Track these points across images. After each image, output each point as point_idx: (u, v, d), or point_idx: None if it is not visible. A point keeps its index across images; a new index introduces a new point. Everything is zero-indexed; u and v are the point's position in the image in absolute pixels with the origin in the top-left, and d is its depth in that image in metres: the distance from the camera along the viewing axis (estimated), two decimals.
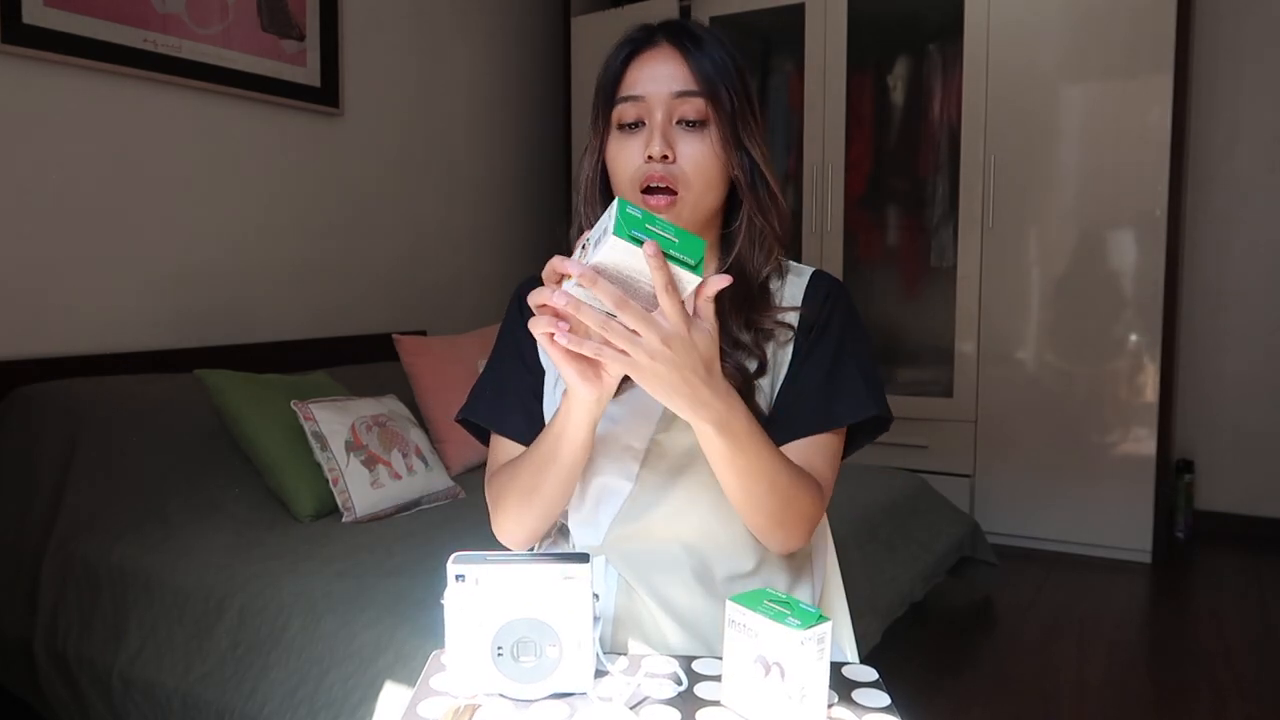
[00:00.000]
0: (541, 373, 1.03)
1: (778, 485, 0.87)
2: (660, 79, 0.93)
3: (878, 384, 0.98)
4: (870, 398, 0.96)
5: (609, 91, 0.96)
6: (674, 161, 0.92)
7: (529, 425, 1.00)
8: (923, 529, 2.41)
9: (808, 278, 1.01)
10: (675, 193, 0.92)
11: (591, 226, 0.89)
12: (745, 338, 0.95)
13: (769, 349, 0.96)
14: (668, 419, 0.95)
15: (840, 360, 0.97)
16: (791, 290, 1.00)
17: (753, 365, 0.95)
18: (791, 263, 1.04)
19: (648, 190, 0.92)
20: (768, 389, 0.96)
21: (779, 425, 0.94)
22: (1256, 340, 3.39)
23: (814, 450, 0.95)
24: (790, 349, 0.97)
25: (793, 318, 0.98)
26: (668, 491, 0.96)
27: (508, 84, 3.75)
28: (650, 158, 0.91)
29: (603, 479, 0.97)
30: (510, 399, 1.02)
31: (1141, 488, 3.03)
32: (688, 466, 0.96)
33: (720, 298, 0.79)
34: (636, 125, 0.94)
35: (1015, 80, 3.13)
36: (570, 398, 0.84)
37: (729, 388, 0.81)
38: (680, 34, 0.95)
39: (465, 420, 1.07)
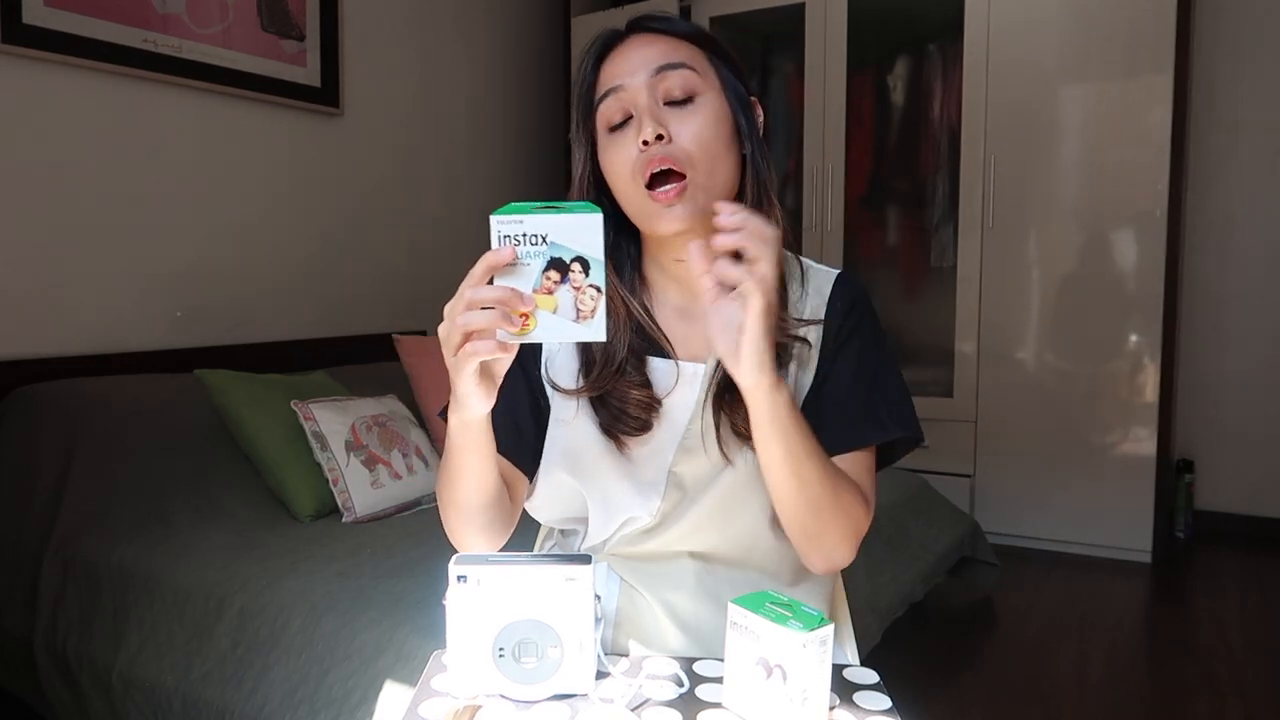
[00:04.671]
0: (541, 387, 0.96)
1: (826, 472, 0.85)
2: (637, 65, 0.88)
3: (909, 401, 0.95)
4: (895, 417, 0.93)
5: (587, 96, 0.91)
6: (670, 141, 0.85)
7: (516, 440, 0.94)
8: (923, 529, 2.41)
9: (831, 284, 0.96)
10: (683, 176, 0.85)
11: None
12: None
13: (790, 369, 0.92)
14: (684, 450, 0.93)
15: (868, 375, 0.93)
16: (814, 301, 0.95)
17: None
18: (809, 263, 0.98)
19: (652, 184, 0.85)
20: None
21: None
22: (1256, 340, 3.39)
23: (852, 467, 0.92)
24: (811, 370, 0.93)
25: (812, 331, 0.93)
26: (682, 519, 0.94)
27: (507, 84, 3.75)
28: (646, 143, 0.85)
29: (626, 513, 0.94)
30: (498, 416, 0.87)
31: (1141, 488, 3.03)
32: (702, 495, 0.93)
33: None
34: (624, 124, 0.88)
35: (1015, 80, 3.13)
36: (471, 409, 0.77)
37: None
38: (648, 21, 0.91)
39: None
